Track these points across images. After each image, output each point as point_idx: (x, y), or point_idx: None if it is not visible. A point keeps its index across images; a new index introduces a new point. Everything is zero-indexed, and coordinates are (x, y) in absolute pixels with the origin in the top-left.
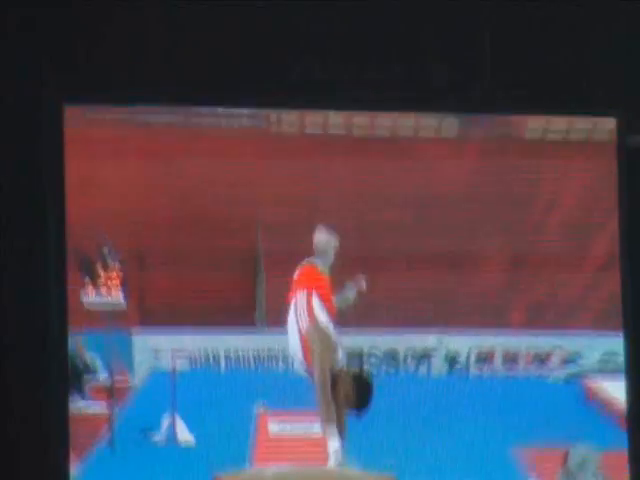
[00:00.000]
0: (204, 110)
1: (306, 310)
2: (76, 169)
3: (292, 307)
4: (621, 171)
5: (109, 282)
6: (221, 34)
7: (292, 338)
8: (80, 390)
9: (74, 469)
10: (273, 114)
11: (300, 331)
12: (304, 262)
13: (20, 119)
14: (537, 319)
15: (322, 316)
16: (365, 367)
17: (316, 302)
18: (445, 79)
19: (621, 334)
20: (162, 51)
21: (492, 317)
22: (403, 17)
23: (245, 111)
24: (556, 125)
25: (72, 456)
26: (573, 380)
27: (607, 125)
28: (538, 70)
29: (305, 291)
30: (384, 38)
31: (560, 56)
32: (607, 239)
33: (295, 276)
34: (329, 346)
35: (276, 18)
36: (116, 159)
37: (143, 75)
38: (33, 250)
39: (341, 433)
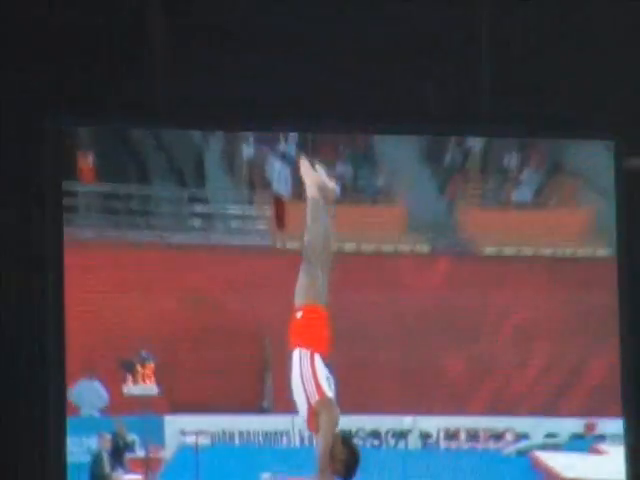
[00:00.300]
0: (218, 227)
1: (312, 379)
2: (106, 291)
3: (297, 364)
4: (619, 194)
5: (145, 376)
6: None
7: (299, 402)
8: (121, 463)
9: None
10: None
11: (309, 401)
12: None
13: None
14: (493, 406)
15: (328, 388)
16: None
17: (320, 368)
18: (445, 104)
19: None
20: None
21: (457, 404)
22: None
23: (255, 236)
24: (508, 248)
25: None
26: (522, 454)
27: (546, 251)
28: (537, 95)
29: (309, 352)
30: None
31: (559, 80)
32: (548, 344)
33: (298, 310)
34: (334, 419)
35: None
36: (141, 280)
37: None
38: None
39: None
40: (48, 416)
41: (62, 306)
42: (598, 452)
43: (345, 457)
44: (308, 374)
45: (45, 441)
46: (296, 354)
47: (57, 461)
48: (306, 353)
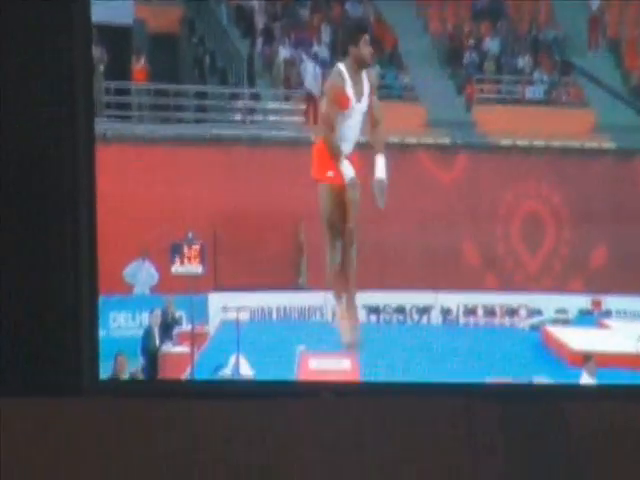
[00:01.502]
0: (258, 120)
1: None
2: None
3: None
4: None
5: (191, 257)
6: None
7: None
8: (170, 337)
9: None
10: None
11: None
12: None
13: None
14: (508, 284)
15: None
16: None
17: None
18: None
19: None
20: None
21: (474, 282)
22: None
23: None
24: (521, 141)
25: None
26: (535, 329)
27: (556, 143)
28: None
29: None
30: None
31: None
32: (556, 229)
33: None
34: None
35: None
36: (188, 170)
37: None
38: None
39: None
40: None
41: (94, 199)
42: (604, 326)
43: None
44: None
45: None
46: None
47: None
48: None
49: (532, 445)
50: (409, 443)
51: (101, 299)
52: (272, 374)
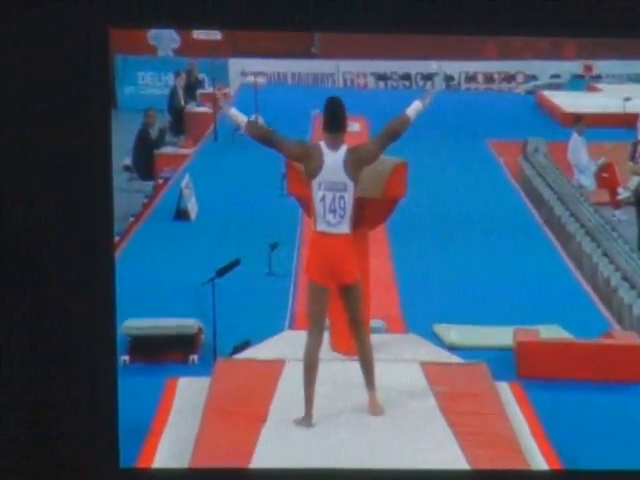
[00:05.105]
0: None
1: None
2: None
3: None
4: None
5: None
6: None
7: None
8: (194, 98)
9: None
10: None
11: None
12: None
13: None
14: (505, 51)
15: None
16: None
17: None
18: None
19: None
20: None
21: (473, 51)
22: None
23: None
24: None
25: (190, 142)
26: (530, 93)
27: None
28: None
29: None
30: None
31: None
32: None
33: None
34: None
35: None
36: None
37: None
38: None
39: None
40: None
41: None
42: (594, 90)
43: None
44: None
45: None
46: None
47: None
48: None
49: None
50: None
51: (129, 58)
52: (289, 133)
